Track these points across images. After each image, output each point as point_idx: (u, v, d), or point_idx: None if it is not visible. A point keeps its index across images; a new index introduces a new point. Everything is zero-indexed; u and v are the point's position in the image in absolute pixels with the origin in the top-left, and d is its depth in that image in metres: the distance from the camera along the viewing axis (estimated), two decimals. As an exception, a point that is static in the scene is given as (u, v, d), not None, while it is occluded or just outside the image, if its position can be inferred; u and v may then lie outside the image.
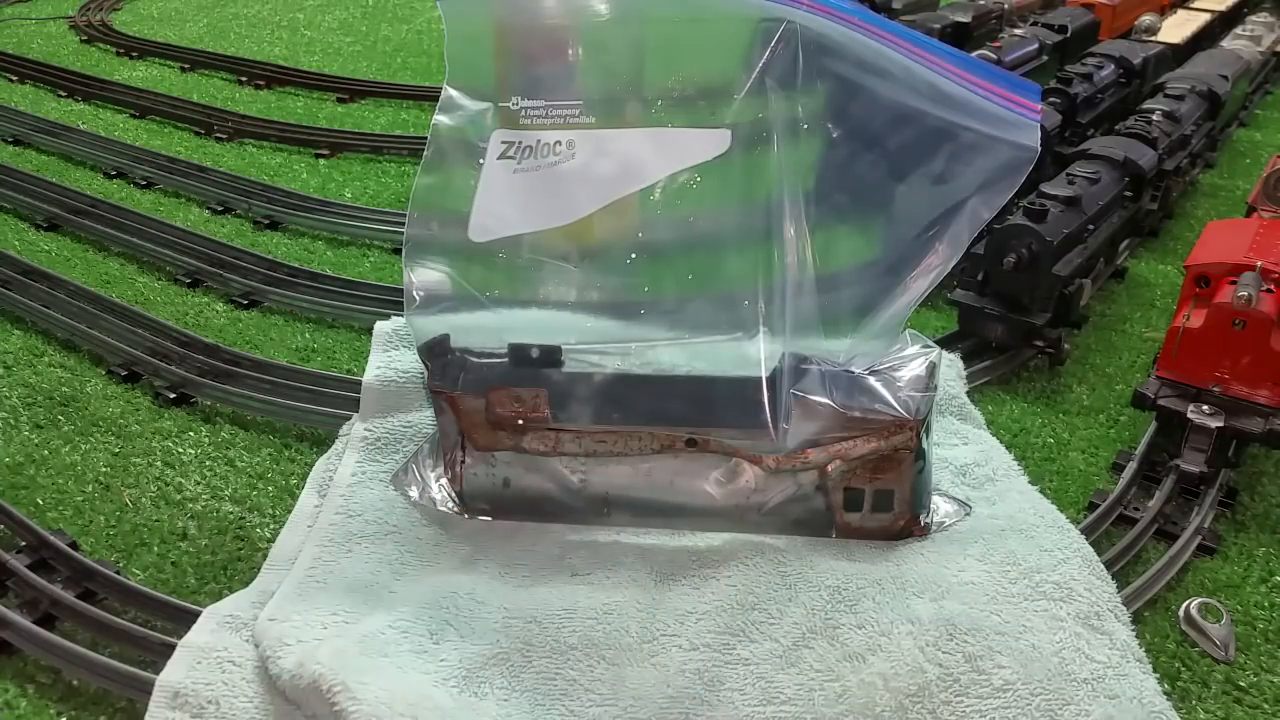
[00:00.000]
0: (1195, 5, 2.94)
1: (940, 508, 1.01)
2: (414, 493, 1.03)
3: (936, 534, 0.99)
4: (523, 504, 0.99)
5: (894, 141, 0.90)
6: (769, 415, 0.92)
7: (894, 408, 0.91)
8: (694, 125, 0.92)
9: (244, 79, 2.79)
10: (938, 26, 2.31)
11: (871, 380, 0.93)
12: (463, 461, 0.98)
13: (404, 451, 1.12)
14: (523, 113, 0.92)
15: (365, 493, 1.05)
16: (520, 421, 0.94)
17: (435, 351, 0.97)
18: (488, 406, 0.94)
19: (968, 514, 1.01)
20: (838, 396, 0.92)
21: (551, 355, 0.97)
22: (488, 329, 0.97)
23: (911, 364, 0.95)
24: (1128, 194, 1.61)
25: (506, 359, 0.97)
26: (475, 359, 0.97)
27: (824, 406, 0.91)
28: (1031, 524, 1.00)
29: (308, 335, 1.48)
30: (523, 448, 0.95)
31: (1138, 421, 1.27)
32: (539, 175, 0.92)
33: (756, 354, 0.93)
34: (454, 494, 1.01)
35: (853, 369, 0.94)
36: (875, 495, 0.95)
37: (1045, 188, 1.45)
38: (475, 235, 0.94)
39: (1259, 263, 1.15)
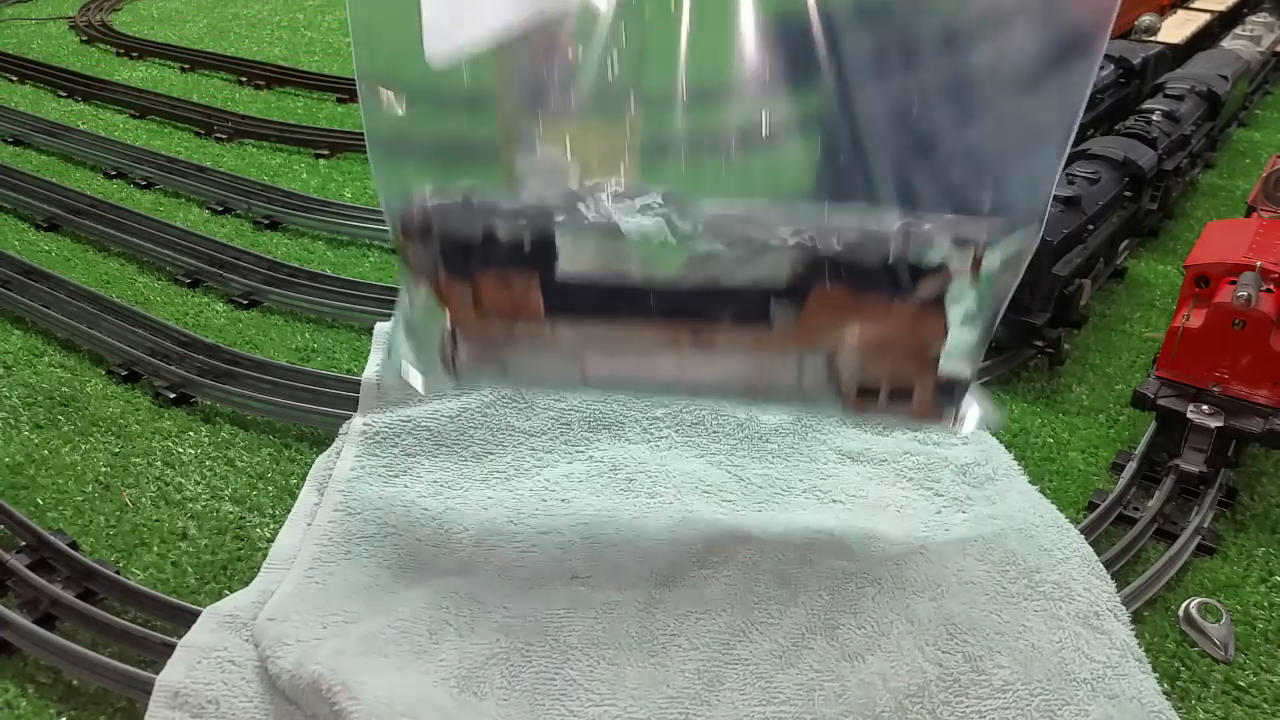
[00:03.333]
0: (1195, 5, 2.94)
1: (970, 411, 0.87)
2: (406, 380, 0.90)
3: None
4: (523, 384, 0.94)
5: None
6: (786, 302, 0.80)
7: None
8: None
9: (244, 79, 2.78)
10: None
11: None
12: (455, 350, 0.87)
13: (403, 446, 1.12)
14: None
15: (364, 489, 1.05)
16: (512, 310, 0.84)
17: (415, 226, 0.83)
18: (474, 294, 0.83)
19: (990, 429, 0.92)
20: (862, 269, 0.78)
21: (545, 246, 0.82)
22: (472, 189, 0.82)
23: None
24: (1127, 194, 1.61)
25: (497, 238, 0.82)
26: (462, 234, 0.82)
27: (837, 283, 0.78)
28: (1031, 523, 1.00)
29: (308, 335, 1.48)
30: (515, 338, 0.86)
31: (1137, 421, 1.27)
32: None
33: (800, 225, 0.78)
34: (449, 375, 0.89)
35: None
36: (892, 388, 0.84)
37: (1045, 188, 1.45)
38: (433, 52, 0.74)
39: (1259, 263, 1.15)
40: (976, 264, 0.77)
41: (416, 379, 0.89)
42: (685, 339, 0.83)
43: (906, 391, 0.83)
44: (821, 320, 0.81)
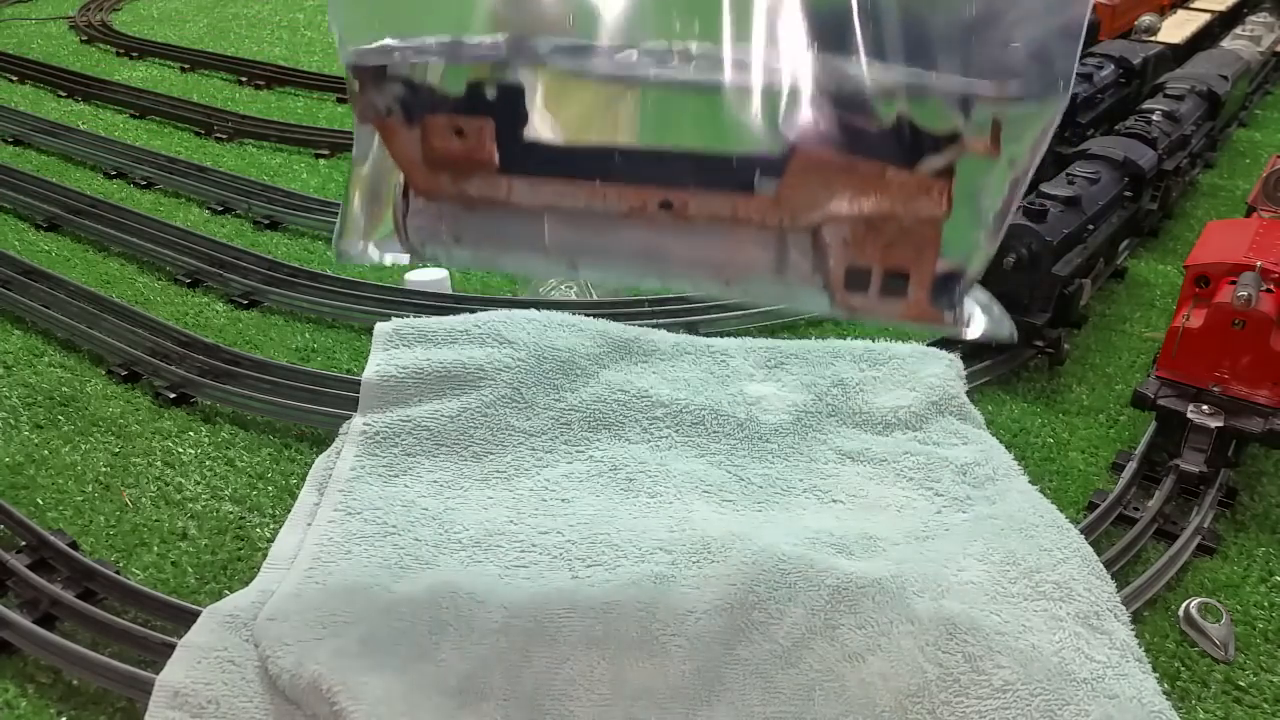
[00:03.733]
0: (1195, 5, 2.94)
1: (976, 313, 0.77)
2: (359, 250, 0.84)
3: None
4: (480, 259, 0.84)
5: None
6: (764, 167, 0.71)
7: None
8: None
9: (244, 79, 2.79)
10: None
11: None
12: (406, 213, 0.80)
13: (403, 445, 1.12)
14: None
15: (364, 489, 1.05)
16: (464, 162, 0.76)
17: (368, 66, 0.76)
18: (423, 139, 0.76)
19: (1010, 337, 0.79)
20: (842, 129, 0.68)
21: (511, 95, 0.74)
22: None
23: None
24: (1128, 194, 1.61)
25: (456, 85, 0.75)
26: (415, 81, 0.75)
27: (826, 144, 0.68)
28: (1031, 524, 1.00)
29: (308, 335, 1.48)
30: (468, 195, 0.77)
31: (1137, 421, 1.27)
32: None
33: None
34: (403, 243, 0.83)
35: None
36: (885, 276, 0.73)
37: (1045, 188, 1.45)
38: None
39: (1259, 263, 1.15)
40: (996, 131, 0.66)
41: (371, 249, 0.83)
42: (653, 205, 0.74)
43: (901, 283, 0.73)
44: (806, 186, 0.70)
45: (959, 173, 0.68)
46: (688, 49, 0.70)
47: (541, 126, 0.75)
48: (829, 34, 0.66)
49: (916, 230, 0.70)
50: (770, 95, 0.68)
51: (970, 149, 0.67)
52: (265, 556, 1.00)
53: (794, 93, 0.68)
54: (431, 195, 0.79)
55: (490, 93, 0.74)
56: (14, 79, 2.80)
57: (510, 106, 0.74)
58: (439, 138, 0.75)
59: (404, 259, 0.84)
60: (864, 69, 0.65)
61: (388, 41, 0.74)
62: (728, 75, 0.68)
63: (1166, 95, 1.95)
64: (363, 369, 1.26)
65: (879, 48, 0.65)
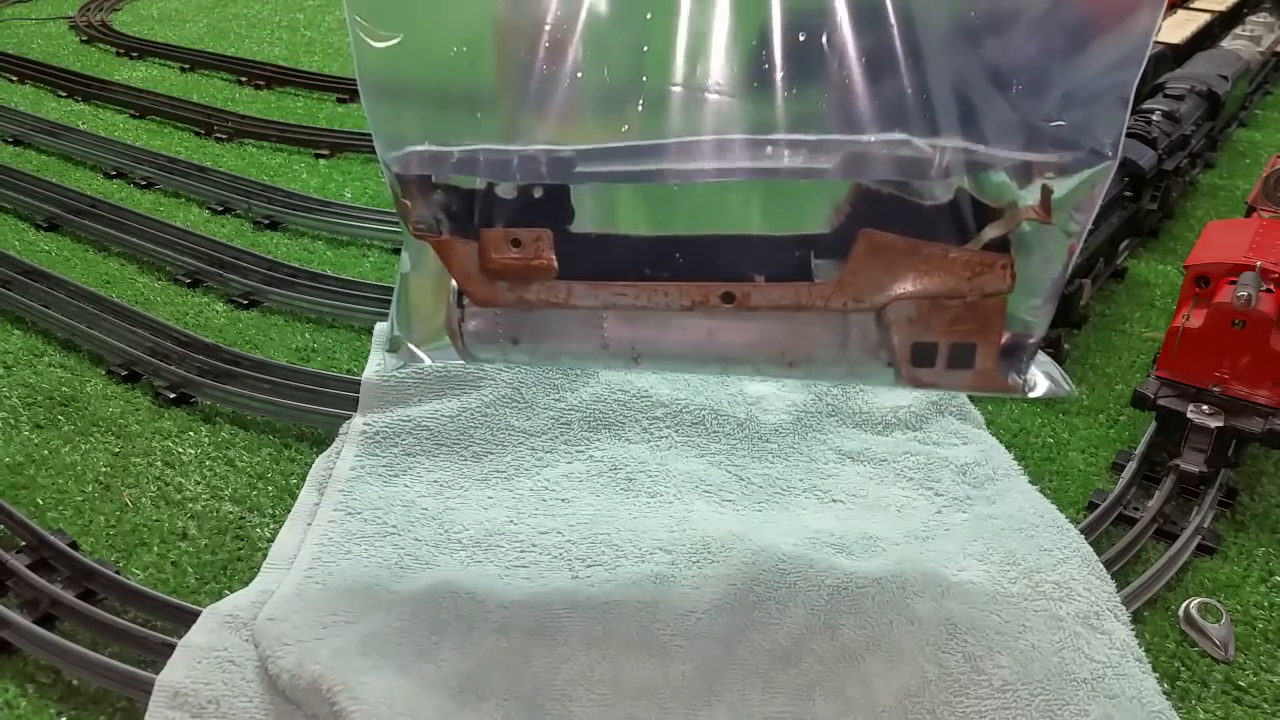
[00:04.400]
0: (1195, 5, 2.94)
1: (1038, 376, 0.78)
2: (411, 356, 0.84)
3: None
4: (537, 358, 0.84)
5: None
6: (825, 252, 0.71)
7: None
8: None
9: (244, 79, 2.79)
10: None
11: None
12: (461, 320, 0.81)
13: (403, 445, 1.12)
14: None
15: (364, 489, 1.05)
16: (522, 271, 0.76)
17: (414, 177, 0.76)
18: (481, 252, 0.76)
19: (1071, 394, 0.80)
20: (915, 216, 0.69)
21: (558, 198, 0.75)
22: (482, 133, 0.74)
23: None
24: (1128, 194, 1.61)
25: (507, 193, 0.76)
26: (466, 187, 0.76)
27: (890, 231, 0.69)
28: (1031, 524, 1.00)
29: (308, 335, 1.48)
30: (527, 300, 0.78)
31: (1137, 421, 1.27)
32: None
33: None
34: (459, 349, 0.83)
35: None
36: (951, 350, 0.74)
37: (1045, 188, 1.45)
38: None
39: (1259, 263, 1.15)
40: (1046, 199, 0.66)
41: (421, 353, 0.83)
42: (716, 299, 0.74)
43: (967, 355, 0.73)
44: (871, 270, 0.71)
45: (1019, 238, 0.69)
46: (744, 139, 0.70)
47: (593, 220, 0.75)
48: (885, 113, 0.67)
49: (982, 305, 0.71)
50: (829, 181, 0.69)
51: (1025, 218, 0.67)
52: (265, 556, 1.00)
53: (854, 173, 0.69)
54: (489, 304, 0.79)
55: (539, 193, 0.74)
56: (14, 79, 2.80)
57: (560, 205, 0.75)
58: (496, 250, 0.76)
59: (457, 362, 0.84)
60: (923, 147, 0.66)
61: (430, 148, 0.74)
62: (787, 162, 0.69)
63: (1166, 95, 1.94)
64: (363, 369, 1.26)
65: (934, 125, 0.66)
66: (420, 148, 0.73)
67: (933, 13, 0.65)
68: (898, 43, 0.65)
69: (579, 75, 0.70)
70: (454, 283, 0.79)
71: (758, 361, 0.79)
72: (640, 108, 0.70)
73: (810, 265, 0.73)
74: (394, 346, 0.84)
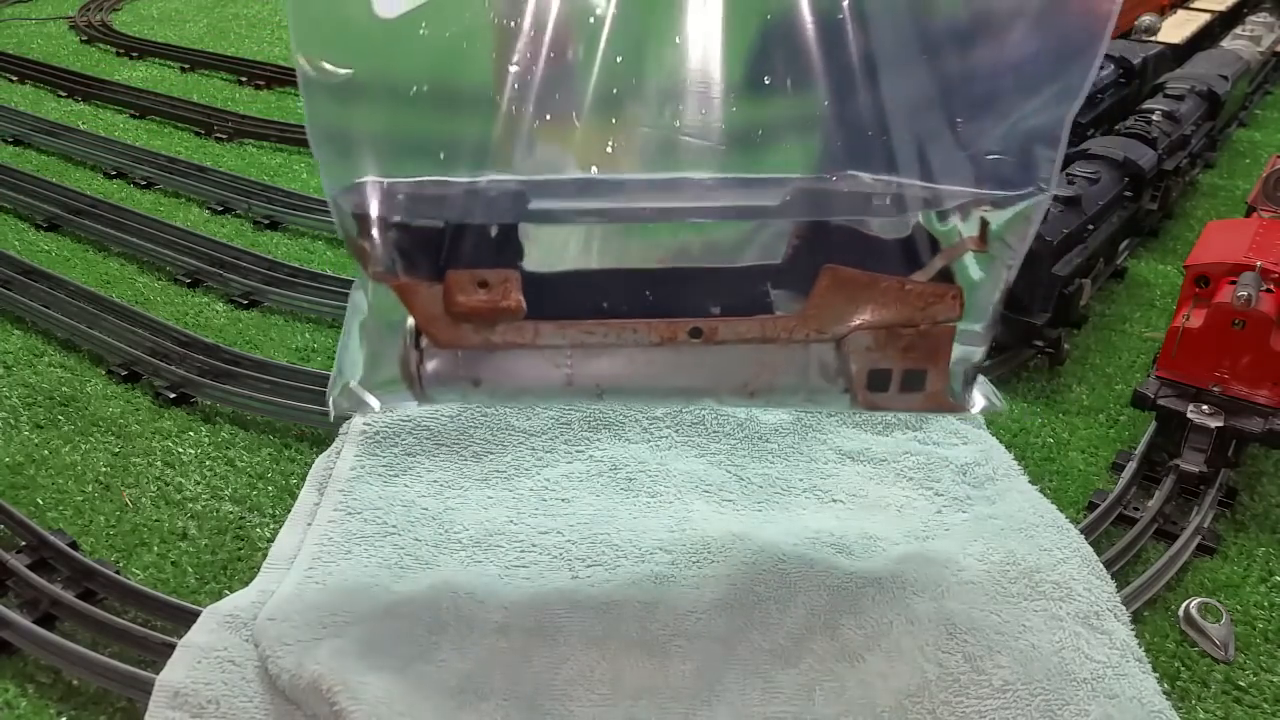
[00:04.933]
0: (1195, 5, 2.94)
1: (976, 394, 0.83)
2: (355, 401, 0.79)
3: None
4: (498, 398, 0.83)
5: None
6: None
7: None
8: None
9: (244, 79, 2.79)
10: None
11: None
12: (420, 363, 0.78)
13: (403, 445, 1.12)
14: None
15: (364, 489, 1.05)
16: (489, 313, 0.74)
17: (371, 217, 0.72)
18: (446, 294, 0.73)
19: (999, 408, 0.84)
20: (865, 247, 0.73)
21: (509, 237, 0.74)
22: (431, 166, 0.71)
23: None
24: (1128, 194, 1.61)
25: (453, 227, 0.73)
26: (418, 226, 0.73)
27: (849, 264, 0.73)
28: (1031, 523, 1.00)
29: (308, 335, 1.48)
30: (493, 342, 0.76)
31: (1137, 421, 1.27)
32: None
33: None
34: (415, 393, 0.80)
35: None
36: (904, 375, 0.78)
37: (1045, 188, 1.45)
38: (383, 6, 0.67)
39: (1259, 263, 1.16)
40: (985, 230, 0.72)
41: (370, 398, 0.79)
42: (684, 335, 0.76)
43: (919, 379, 0.78)
44: (834, 303, 0.74)
45: (958, 272, 0.75)
46: (705, 178, 0.72)
47: (552, 259, 0.75)
48: (847, 153, 0.71)
49: (933, 332, 0.75)
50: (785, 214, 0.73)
51: (967, 249, 0.73)
52: (265, 556, 1.00)
53: (812, 213, 0.73)
54: (452, 346, 0.76)
55: (497, 234, 0.73)
56: (14, 79, 2.80)
57: (515, 244, 0.74)
58: (463, 292, 0.73)
59: (411, 406, 0.81)
60: (881, 187, 0.71)
61: (385, 181, 0.71)
62: (738, 201, 0.73)
63: (1166, 95, 1.95)
64: (363, 369, 1.26)
65: (893, 165, 0.70)
66: (375, 180, 0.71)
67: (885, 52, 0.68)
68: (854, 81, 0.69)
69: (544, 112, 0.70)
70: (409, 323, 0.76)
71: (721, 393, 0.81)
72: (608, 147, 0.71)
73: (769, 297, 0.76)
74: (341, 393, 0.79)
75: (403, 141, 0.71)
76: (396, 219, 0.71)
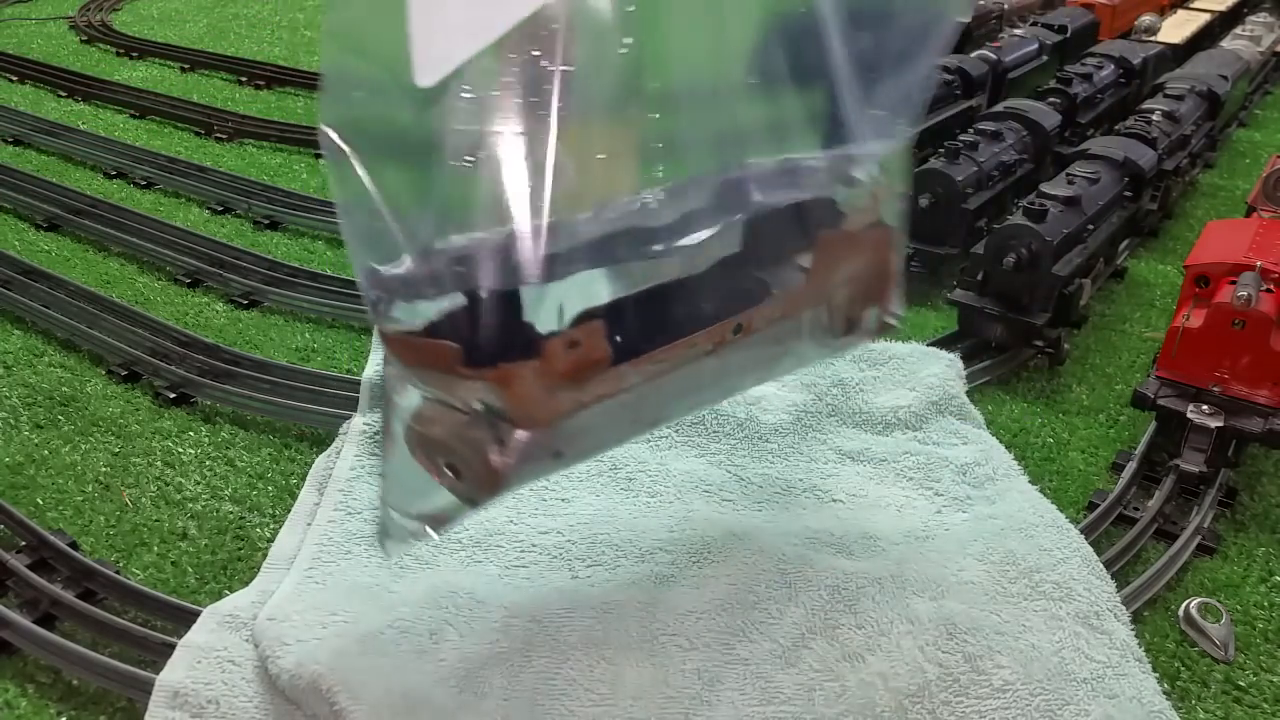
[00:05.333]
0: (1195, 5, 2.94)
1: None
2: (410, 535, 0.74)
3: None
4: (567, 464, 0.76)
5: None
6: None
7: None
8: None
9: (244, 79, 2.79)
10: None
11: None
12: (503, 451, 0.67)
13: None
14: None
15: (364, 488, 1.05)
16: (579, 371, 0.67)
17: (470, 315, 0.64)
18: (544, 365, 0.65)
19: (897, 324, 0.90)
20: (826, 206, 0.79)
21: (512, 301, 0.65)
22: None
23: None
24: (1128, 194, 1.61)
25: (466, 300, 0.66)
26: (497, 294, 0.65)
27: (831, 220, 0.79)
28: (1031, 523, 1.00)
29: (308, 335, 1.48)
30: (583, 402, 0.68)
31: (1137, 421, 1.27)
32: None
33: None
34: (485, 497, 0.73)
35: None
36: (866, 313, 0.85)
37: (1045, 188, 1.45)
38: (425, 64, 0.60)
39: (1259, 263, 1.16)
40: (887, 173, 0.82)
41: (429, 531, 0.73)
42: (729, 335, 0.74)
43: (875, 316, 0.86)
44: (828, 265, 0.80)
45: (885, 207, 0.83)
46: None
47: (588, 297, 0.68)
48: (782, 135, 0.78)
49: (882, 270, 0.85)
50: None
51: (884, 193, 0.82)
52: (265, 556, 1.00)
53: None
54: (550, 422, 0.67)
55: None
56: (14, 79, 2.80)
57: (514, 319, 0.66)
58: (558, 359, 0.65)
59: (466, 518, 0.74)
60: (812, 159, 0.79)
61: (448, 243, 0.64)
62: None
63: (1166, 95, 1.95)
64: (363, 369, 1.26)
65: (823, 137, 0.79)
66: (439, 257, 0.64)
67: (805, 29, 0.74)
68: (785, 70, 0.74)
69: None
70: (478, 409, 0.66)
71: (747, 385, 0.87)
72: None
73: (765, 282, 0.79)
74: (393, 534, 0.72)
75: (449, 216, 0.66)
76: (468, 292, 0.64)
